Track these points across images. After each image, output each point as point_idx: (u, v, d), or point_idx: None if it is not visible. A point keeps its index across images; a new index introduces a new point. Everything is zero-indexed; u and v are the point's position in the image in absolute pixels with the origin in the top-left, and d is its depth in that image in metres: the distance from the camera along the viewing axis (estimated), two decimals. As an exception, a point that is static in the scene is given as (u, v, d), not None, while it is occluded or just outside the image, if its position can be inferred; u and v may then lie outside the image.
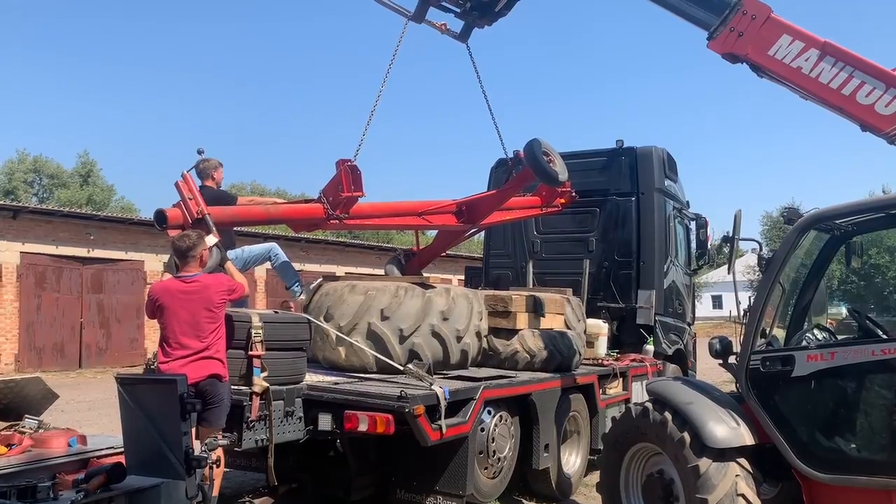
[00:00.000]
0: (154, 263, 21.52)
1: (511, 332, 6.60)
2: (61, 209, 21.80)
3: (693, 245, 10.98)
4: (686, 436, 4.56)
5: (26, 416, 4.19)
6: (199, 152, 6.53)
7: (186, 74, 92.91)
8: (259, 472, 6.05)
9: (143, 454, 3.12)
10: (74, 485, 3.23)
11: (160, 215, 5.36)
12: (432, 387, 5.12)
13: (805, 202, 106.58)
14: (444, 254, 9.01)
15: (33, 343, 18.93)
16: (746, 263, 58.36)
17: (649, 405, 4.97)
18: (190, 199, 5.43)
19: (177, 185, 5.51)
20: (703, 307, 47.64)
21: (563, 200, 8.31)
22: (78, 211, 22.15)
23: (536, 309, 6.76)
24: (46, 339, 19.19)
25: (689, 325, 10.84)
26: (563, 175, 7.13)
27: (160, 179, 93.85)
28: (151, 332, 21.28)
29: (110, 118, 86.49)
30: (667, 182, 9.82)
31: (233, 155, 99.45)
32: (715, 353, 5.14)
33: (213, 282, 4.69)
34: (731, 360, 5.12)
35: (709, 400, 4.80)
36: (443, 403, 5.08)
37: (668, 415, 4.75)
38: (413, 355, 5.83)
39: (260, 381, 4.83)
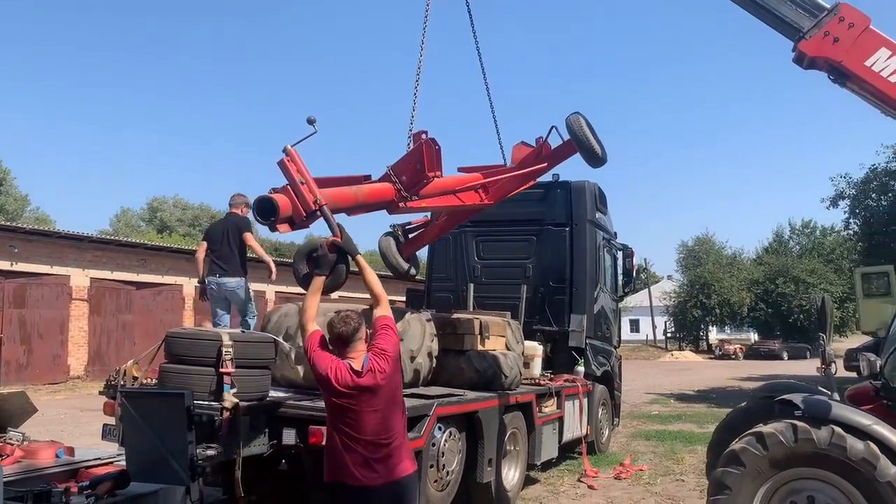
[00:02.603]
0: (80, 278, 21.03)
1: (459, 353, 7.03)
2: (-18, 221, 21.07)
3: (620, 273, 11.77)
4: (884, 463, 4.51)
5: (9, 428, 4.34)
6: (310, 121, 5.01)
7: (105, 82, 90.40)
8: (215, 487, 6.25)
9: (146, 463, 3.39)
10: (80, 491, 3.46)
11: (267, 205, 4.37)
12: (392, 404, 5.48)
13: (718, 232, 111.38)
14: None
15: (-50, 359, 18.24)
16: (662, 290, 60.72)
17: (838, 431, 4.66)
18: (302, 183, 4.42)
19: (282, 163, 4.48)
20: (622, 331, 49.43)
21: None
22: (3, 223, 21.50)
23: (482, 331, 7.22)
24: (-37, 354, 18.51)
25: (616, 347, 11.57)
26: (604, 154, 6.81)
27: (78, 190, 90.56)
28: (75, 348, 20.77)
29: (23, 125, 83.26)
30: (598, 214, 10.55)
31: (155, 164, 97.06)
32: (868, 373, 5.23)
33: (391, 362, 3.79)
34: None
35: (877, 419, 4.79)
36: (401, 420, 5.44)
37: (859, 441, 4.60)
38: (369, 374, 6.17)
39: (230, 397, 5.09)
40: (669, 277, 66.79)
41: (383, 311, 4.02)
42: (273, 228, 4.49)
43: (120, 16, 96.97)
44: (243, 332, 5.80)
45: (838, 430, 4.67)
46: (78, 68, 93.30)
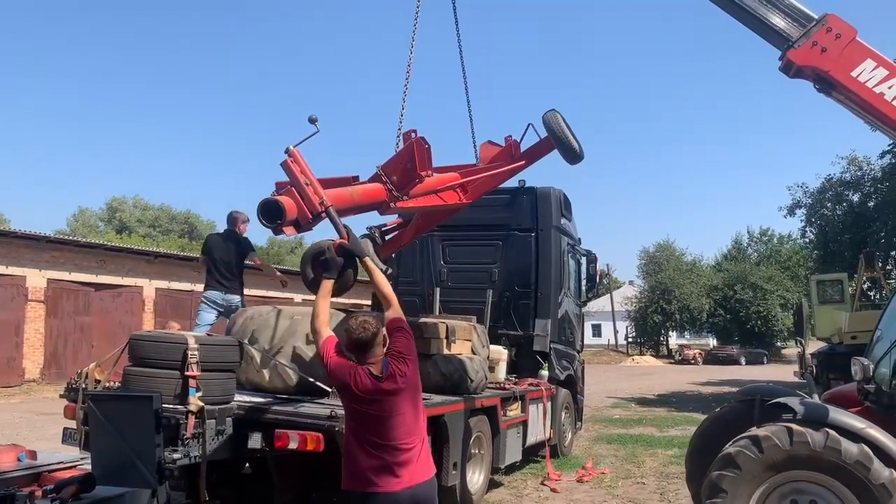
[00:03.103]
0: (37, 279, 20.59)
1: (425, 357, 7.06)
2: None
3: (583, 278, 11.92)
4: (877, 466, 4.59)
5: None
6: (312, 120, 5.13)
7: (61, 75, 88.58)
8: (179, 491, 6.20)
9: (112, 466, 3.37)
10: (44, 495, 3.41)
11: (273, 207, 4.29)
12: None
13: (679, 239, 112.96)
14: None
15: None
16: (624, 295, 61.46)
17: (833, 434, 4.74)
18: (307, 184, 4.36)
19: (285, 165, 4.40)
20: (585, 335, 49.85)
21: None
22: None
23: (448, 335, 7.27)
24: (-87, 357, 17.98)
25: (579, 352, 11.71)
26: (581, 151, 6.76)
27: (33, 189, 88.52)
28: (31, 351, 20.31)
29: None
30: (563, 220, 10.68)
31: (114, 164, 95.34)
32: (861, 377, 5.29)
33: (411, 365, 3.73)
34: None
35: (869, 422, 4.88)
36: (368, 423, 5.46)
37: (853, 444, 4.68)
38: (335, 378, 6.18)
39: (195, 401, 5.07)
40: (631, 283, 67.59)
41: (395, 312, 3.94)
42: (278, 231, 4.42)
43: (75, 6, 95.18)
44: (209, 335, 5.77)
45: (833, 433, 4.73)
46: (32, 62, 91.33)
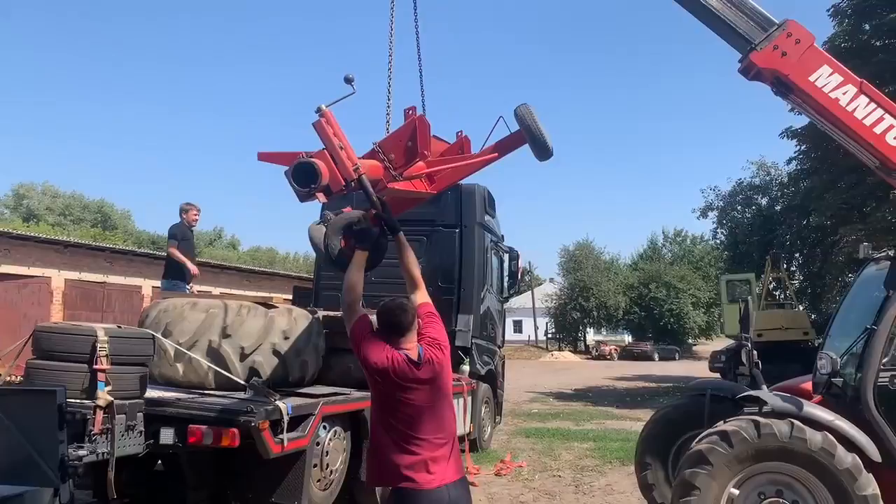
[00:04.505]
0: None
1: (347, 352, 6.97)
2: None
3: (506, 275, 12.05)
4: (841, 452, 4.79)
5: None
6: (348, 80, 4.63)
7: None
8: (86, 490, 5.95)
9: (11, 463, 3.20)
10: (-66, 496, 3.22)
11: (308, 169, 4.03)
12: (277, 402, 5.41)
13: (597, 238, 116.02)
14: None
15: None
16: (544, 292, 62.59)
17: (797, 424, 4.93)
18: (341, 148, 4.09)
19: (318, 125, 4.13)
20: (506, 331, 50.54)
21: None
22: None
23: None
24: None
25: (500, 347, 11.84)
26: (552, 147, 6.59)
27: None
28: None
29: None
30: (486, 217, 10.77)
31: (22, 149, 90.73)
32: (829, 372, 5.41)
33: (446, 354, 3.59)
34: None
35: (842, 417, 5.07)
36: (285, 418, 5.38)
37: (817, 433, 4.87)
38: (253, 373, 6.06)
39: (104, 395, 4.86)
40: (551, 280, 68.90)
41: (425, 297, 3.75)
42: (309, 197, 4.13)
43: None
44: (119, 327, 5.56)
45: (797, 423, 4.92)
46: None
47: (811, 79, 5.42)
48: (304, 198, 4.15)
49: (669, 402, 6.73)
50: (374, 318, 3.64)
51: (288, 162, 4.34)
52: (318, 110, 4.19)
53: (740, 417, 5.17)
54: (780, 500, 5.03)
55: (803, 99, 5.61)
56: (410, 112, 5.27)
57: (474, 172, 7.02)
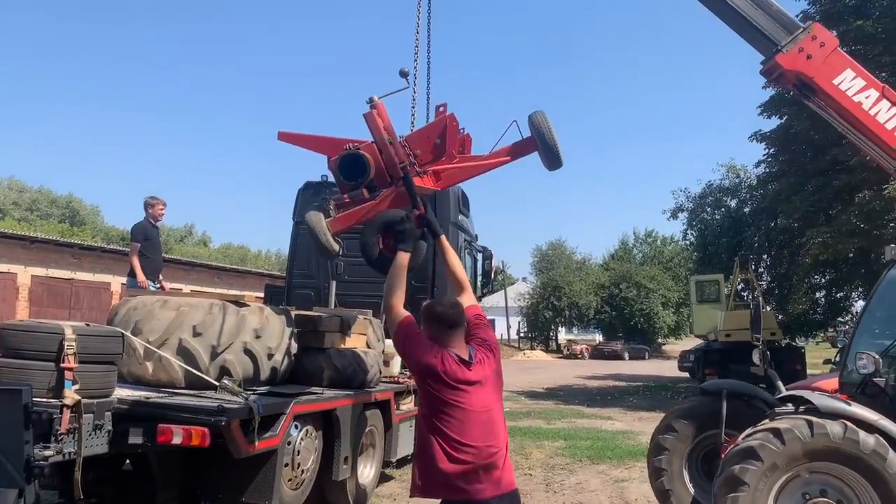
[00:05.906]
0: None
1: (319, 351, 6.97)
2: None
3: (479, 274, 12.07)
4: (893, 456, 4.80)
5: None
6: (403, 74, 4.76)
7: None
8: (51, 490, 5.86)
9: (-26, 464, 3.14)
10: None
11: (359, 163, 3.96)
12: (248, 402, 5.36)
13: (569, 238, 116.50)
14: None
15: None
16: (517, 291, 62.84)
17: (850, 425, 4.92)
18: (390, 143, 4.01)
19: (369, 117, 4.02)
20: (479, 330, 50.57)
21: None
22: None
23: (343, 329, 7.19)
24: None
25: (473, 347, 11.84)
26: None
27: None
28: None
29: None
30: (460, 217, 10.78)
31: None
32: (873, 370, 5.34)
33: (497, 356, 3.53)
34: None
35: (880, 414, 5.07)
36: (257, 418, 5.34)
37: (870, 435, 4.88)
38: (224, 371, 6.00)
39: (71, 394, 4.78)
40: (524, 280, 69.17)
41: (472, 298, 3.71)
42: (354, 191, 3.99)
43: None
44: (88, 324, 5.47)
45: (850, 424, 4.91)
46: None
47: (835, 82, 5.47)
48: (347, 191, 4.05)
49: (678, 406, 6.65)
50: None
51: (310, 145, 4.26)
52: (370, 101, 4.07)
53: (792, 416, 5.17)
54: (826, 500, 5.01)
55: (826, 102, 5.65)
56: (442, 109, 5.16)
57: (483, 174, 6.98)
